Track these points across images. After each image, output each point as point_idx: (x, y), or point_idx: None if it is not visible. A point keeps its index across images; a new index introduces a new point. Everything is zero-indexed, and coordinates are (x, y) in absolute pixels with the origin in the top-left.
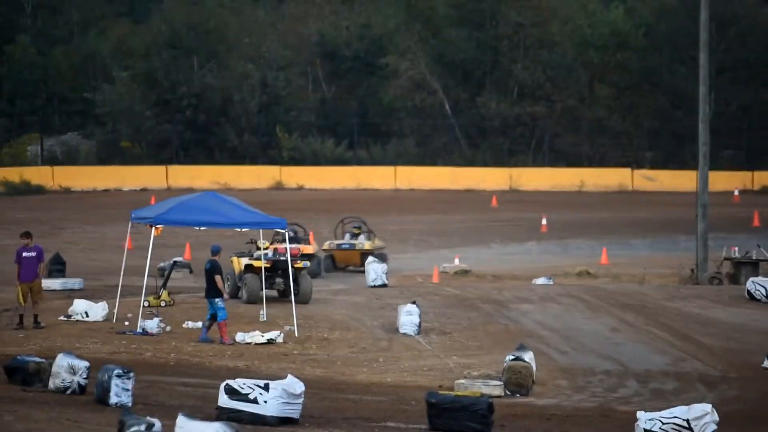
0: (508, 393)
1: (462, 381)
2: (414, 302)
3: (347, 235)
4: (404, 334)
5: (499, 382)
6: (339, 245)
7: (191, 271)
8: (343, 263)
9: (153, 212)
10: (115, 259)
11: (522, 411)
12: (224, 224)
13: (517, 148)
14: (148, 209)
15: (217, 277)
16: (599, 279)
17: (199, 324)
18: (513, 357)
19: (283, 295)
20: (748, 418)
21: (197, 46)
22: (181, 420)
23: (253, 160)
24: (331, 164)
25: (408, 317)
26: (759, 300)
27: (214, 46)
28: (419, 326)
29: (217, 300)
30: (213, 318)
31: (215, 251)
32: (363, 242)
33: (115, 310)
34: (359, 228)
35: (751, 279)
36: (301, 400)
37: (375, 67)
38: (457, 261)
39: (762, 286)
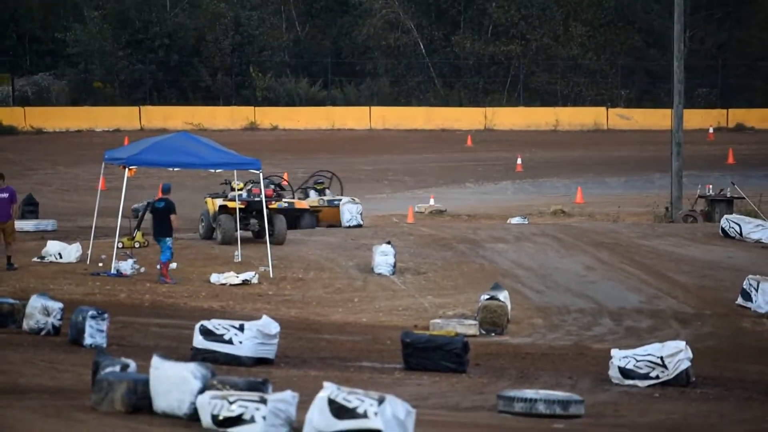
0: (483, 332)
1: (437, 320)
2: (389, 242)
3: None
4: (379, 274)
5: (474, 322)
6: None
7: None
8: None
9: (126, 153)
10: (88, 200)
11: (497, 350)
12: (198, 165)
13: (491, 87)
14: (121, 150)
15: (173, 216)
16: (574, 218)
17: (174, 266)
18: (488, 296)
19: (258, 236)
20: (721, 354)
21: None
22: (155, 360)
23: (227, 101)
24: (306, 105)
25: (383, 257)
26: (733, 237)
27: None
28: (394, 266)
29: (167, 239)
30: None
31: (166, 189)
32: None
33: (89, 252)
34: (322, 184)
35: (725, 216)
36: (276, 341)
37: (349, 6)
38: (431, 201)
39: (736, 223)
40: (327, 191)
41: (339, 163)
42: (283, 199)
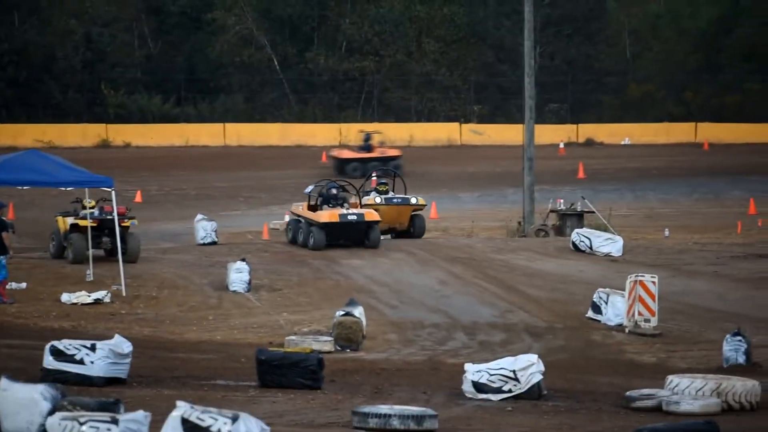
0: (338, 348)
1: (292, 337)
2: (243, 259)
3: (373, 192)
4: (234, 291)
5: (329, 338)
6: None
7: (14, 231)
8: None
9: None
10: None
11: (352, 366)
12: (48, 183)
13: (346, 104)
14: None
15: (4, 234)
16: (428, 233)
17: (24, 285)
18: (343, 312)
19: (111, 255)
20: (572, 367)
21: (18, 2)
22: (4, 382)
23: (78, 118)
24: (159, 121)
25: (237, 274)
26: (583, 251)
27: (36, 2)
28: (249, 283)
29: (1, 258)
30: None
31: None
32: (414, 195)
33: None
34: (386, 185)
35: (576, 230)
36: (128, 360)
37: (201, 23)
38: (286, 217)
39: (586, 237)
40: (390, 192)
41: (193, 180)
42: (351, 210)
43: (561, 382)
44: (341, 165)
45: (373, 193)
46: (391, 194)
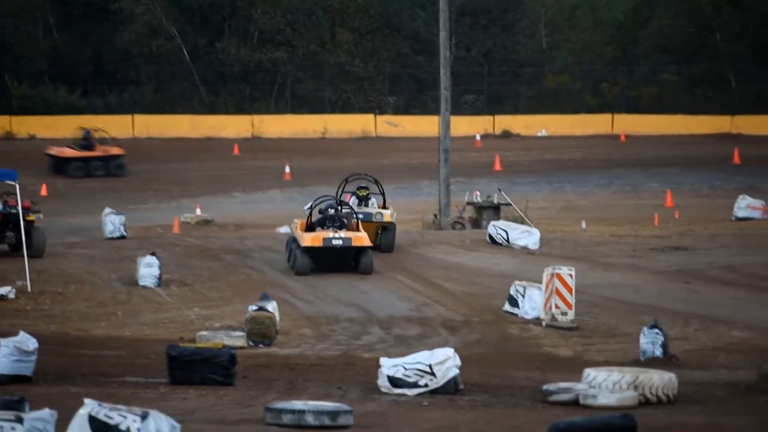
0: (251, 343)
1: (204, 333)
2: (153, 253)
3: (353, 199)
4: (144, 286)
5: (241, 333)
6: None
7: None
8: None
9: None
10: None
11: (265, 361)
12: None
13: (258, 95)
14: None
15: None
16: None
17: None
18: (256, 307)
19: (15, 249)
20: (489, 361)
21: None
22: None
23: None
24: (65, 113)
25: (147, 269)
26: (500, 244)
27: None
28: (159, 278)
29: None
30: None
31: None
32: (379, 211)
33: None
34: (366, 189)
35: (492, 223)
36: (34, 357)
37: (108, 13)
38: (198, 211)
39: (503, 229)
40: (372, 200)
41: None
42: (338, 234)
43: (477, 377)
44: (61, 164)
45: (353, 200)
46: (358, 209)
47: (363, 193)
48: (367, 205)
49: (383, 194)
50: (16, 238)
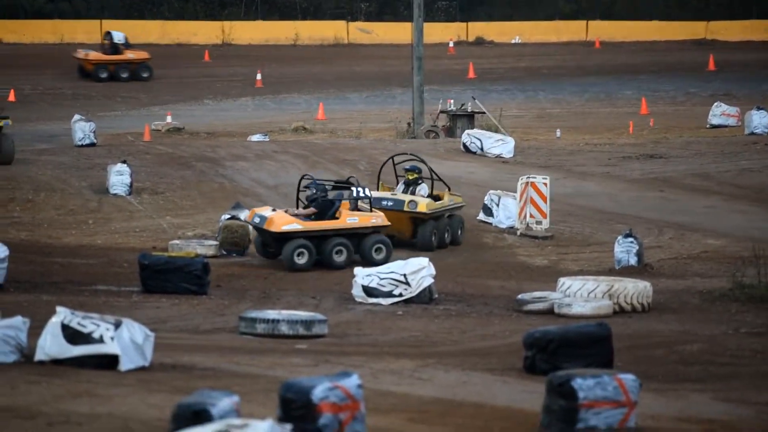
0: (224, 252)
1: (176, 241)
2: (124, 161)
3: (400, 184)
4: (115, 194)
5: (214, 242)
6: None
7: None
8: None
9: None
10: None
11: (238, 271)
12: None
13: (228, 0)
14: None
15: None
16: (316, 135)
17: None
18: (228, 216)
19: None
20: (463, 270)
21: None
22: None
23: None
24: (31, 17)
25: (118, 177)
26: (474, 152)
27: None
28: (131, 186)
29: None
30: None
31: None
32: (413, 199)
33: None
34: (417, 172)
35: (467, 131)
36: (4, 265)
37: None
38: (169, 118)
39: (477, 138)
40: (421, 185)
41: (69, 80)
42: (263, 212)
43: (452, 286)
44: (89, 69)
45: (400, 186)
46: (389, 194)
47: (411, 176)
48: (414, 192)
49: (433, 179)
50: None
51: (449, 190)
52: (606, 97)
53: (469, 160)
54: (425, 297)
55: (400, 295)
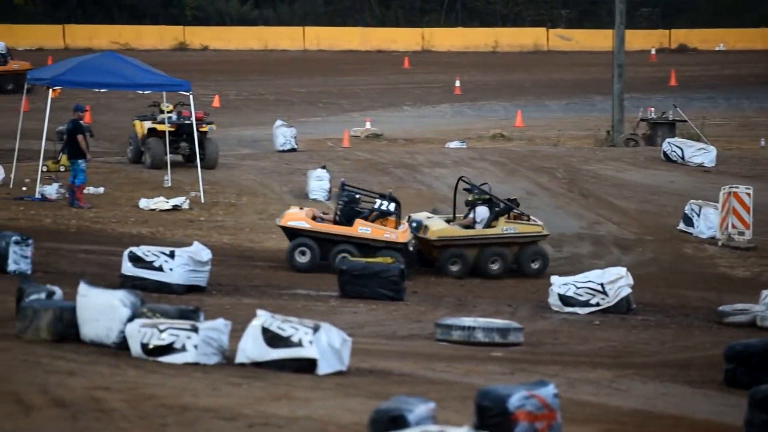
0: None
1: None
2: (324, 167)
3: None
4: (314, 199)
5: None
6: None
7: (92, 135)
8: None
9: (50, 73)
10: (10, 122)
11: (434, 277)
12: (126, 86)
13: (429, 7)
14: (44, 70)
15: (79, 137)
16: (514, 142)
17: (101, 189)
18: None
19: (189, 160)
20: (662, 281)
21: None
22: (83, 288)
23: (154, 20)
24: (237, 24)
25: (318, 182)
26: (675, 161)
27: None
28: (329, 191)
29: (79, 161)
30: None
31: (77, 109)
32: (433, 223)
33: (12, 176)
34: (477, 193)
35: (667, 140)
36: (208, 268)
37: None
38: (368, 124)
39: (678, 147)
40: (480, 210)
41: (272, 85)
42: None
43: (650, 296)
44: None
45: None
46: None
47: (472, 198)
48: (468, 215)
49: (491, 208)
50: (189, 149)
51: (519, 217)
52: None
53: (669, 169)
54: (623, 307)
55: (597, 304)
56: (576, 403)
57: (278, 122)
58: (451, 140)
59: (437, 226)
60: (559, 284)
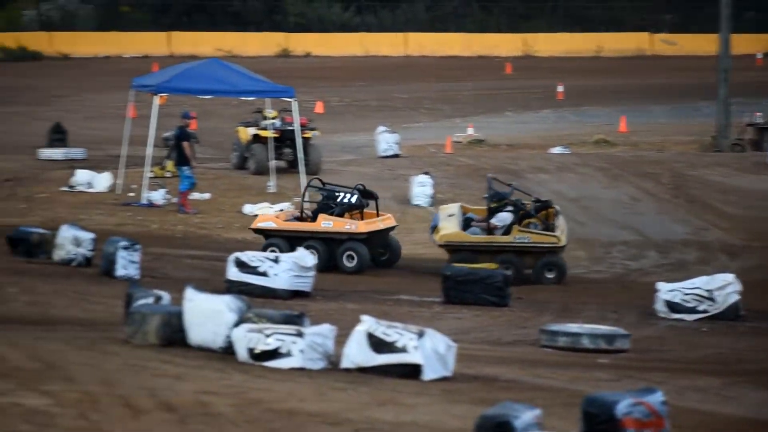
0: None
1: None
2: (426, 173)
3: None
4: (417, 205)
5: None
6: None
7: (198, 142)
8: None
9: (155, 80)
10: (117, 128)
11: (539, 285)
12: (230, 93)
13: (531, 13)
14: (150, 77)
15: (184, 144)
16: (617, 147)
17: (207, 195)
18: None
19: (292, 166)
20: None
21: None
22: (189, 293)
23: (258, 27)
24: (339, 31)
25: (420, 188)
26: None
27: None
28: (432, 197)
29: (184, 168)
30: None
31: (184, 116)
32: (445, 226)
33: (119, 181)
34: (497, 199)
35: None
36: (312, 273)
37: None
38: (470, 130)
39: None
40: (502, 216)
41: (374, 92)
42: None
43: (759, 303)
44: None
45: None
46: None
47: (493, 204)
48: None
49: (516, 212)
50: (293, 155)
51: (546, 220)
52: None
53: None
54: (731, 314)
55: (705, 311)
56: (684, 411)
57: (381, 128)
58: (554, 146)
59: (447, 230)
60: (666, 290)
